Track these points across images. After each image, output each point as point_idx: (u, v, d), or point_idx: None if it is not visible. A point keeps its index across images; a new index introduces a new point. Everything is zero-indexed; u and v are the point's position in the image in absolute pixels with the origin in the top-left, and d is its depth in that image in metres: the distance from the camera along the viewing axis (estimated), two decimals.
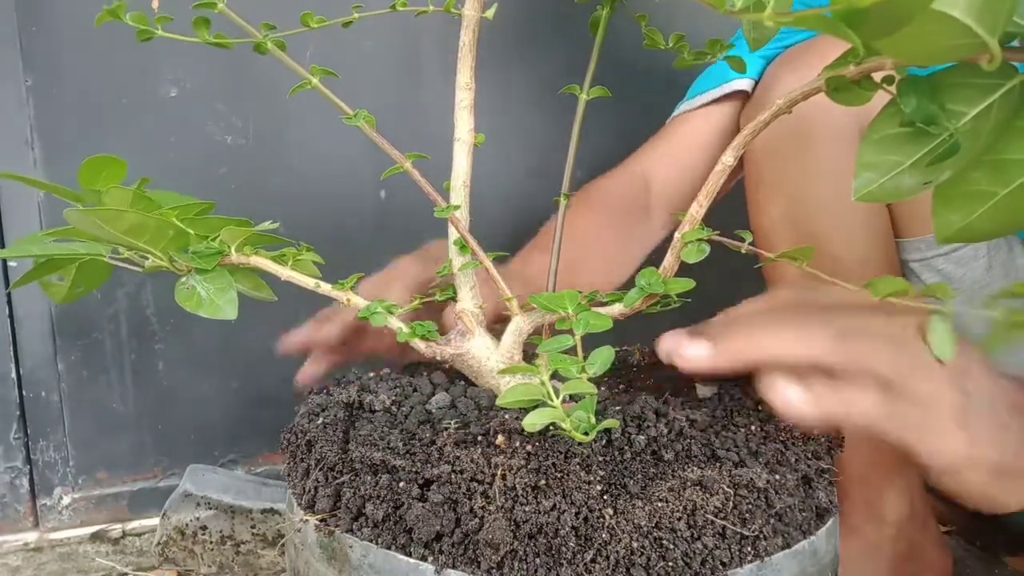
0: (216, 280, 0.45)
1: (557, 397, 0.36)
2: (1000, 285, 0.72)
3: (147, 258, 0.46)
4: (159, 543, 0.84)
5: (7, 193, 0.87)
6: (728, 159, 0.43)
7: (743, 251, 0.46)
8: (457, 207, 0.51)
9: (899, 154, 0.35)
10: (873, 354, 0.41)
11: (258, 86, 0.91)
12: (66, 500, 0.93)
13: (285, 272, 0.49)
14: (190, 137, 0.91)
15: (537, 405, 0.37)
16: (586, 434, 0.35)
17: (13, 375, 0.90)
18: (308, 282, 0.50)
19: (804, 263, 0.45)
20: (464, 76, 0.52)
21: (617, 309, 0.47)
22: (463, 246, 0.52)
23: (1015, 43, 0.32)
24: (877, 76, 0.35)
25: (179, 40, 0.50)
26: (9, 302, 0.89)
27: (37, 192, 0.87)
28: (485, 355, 0.51)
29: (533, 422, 0.35)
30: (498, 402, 0.37)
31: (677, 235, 0.45)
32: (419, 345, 0.50)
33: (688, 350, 0.42)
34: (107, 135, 0.89)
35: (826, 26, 0.27)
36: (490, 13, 0.52)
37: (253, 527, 0.84)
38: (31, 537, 0.91)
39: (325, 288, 0.50)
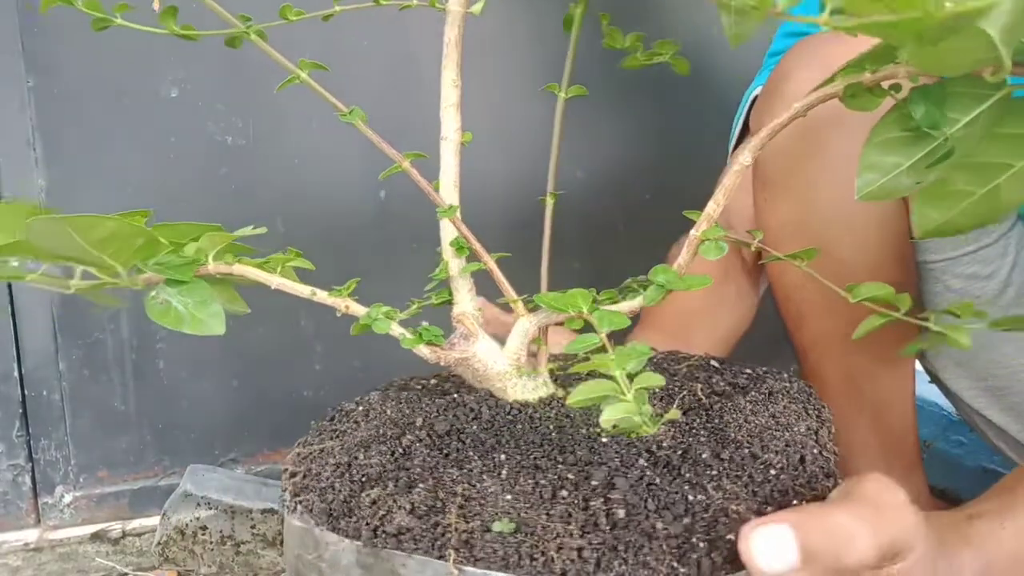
0: (193, 292, 0.41)
1: (629, 392, 0.37)
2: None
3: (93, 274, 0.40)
4: (159, 543, 0.84)
5: (8, 192, 0.87)
6: (747, 159, 0.44)
7: (752, 248, 0.47)
8: (457, 208, 0.51)
9: (900, 156, 0.38)
10: None
11: (258, 86, 0.91)
12: (67, 498, 0.93)
13: (275, 280, 0.47)
14: (190, 137, 0.91)
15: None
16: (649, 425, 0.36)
17: (15, 374, 0.90)
18: (303, 290, 0.48)
19: (805, 263, 0.46)
20: (450, 73, 0.51)
21: (627, 306, 0.47)
22: (460, 247, 0.52)
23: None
24: (885, 83, 0.38)
25: (162, 35, 0.49)
26: (11, 301, 0.89)
27: (39, 193, 0.87)
28: (491, 358, 0.50)
29: (609, 418, 0.35)
30: (569, 401, 0.37)
31: (693, 233, 0.45)
32: (423, 351, 0.50)
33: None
34: (107, 135, 0.89)
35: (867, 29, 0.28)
36: (477, 8, 0.51)
37: (253, 527, 0.84)
38: (31, 537, 0.91)
39: (321, 296, 0.49)
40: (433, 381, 0.58)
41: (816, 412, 0.51)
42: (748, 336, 0.89)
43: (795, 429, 0.48)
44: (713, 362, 0.58)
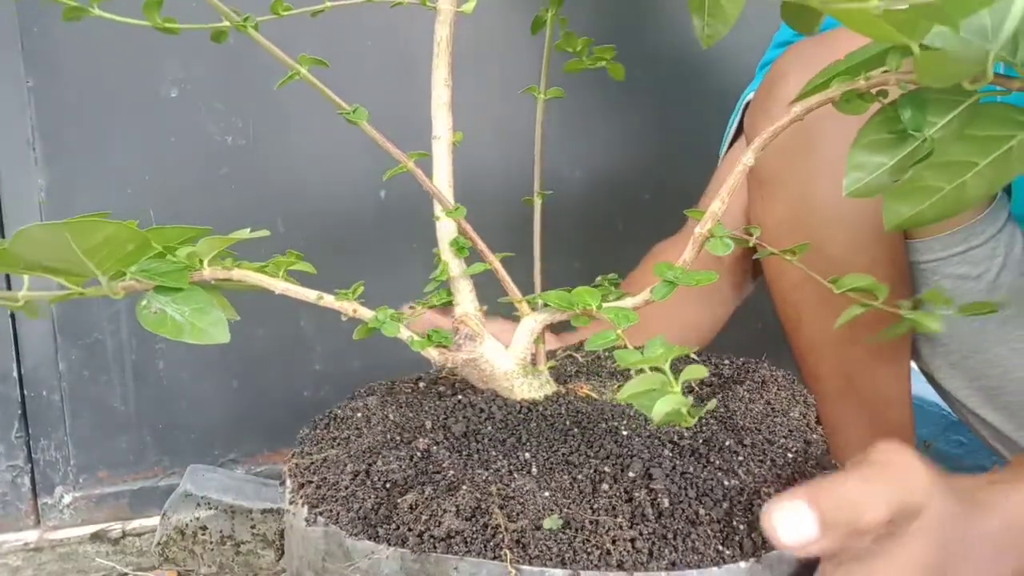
0: (190, 300, 0.39)
1: (677, 384, 0.38)
2: (1013, 281, 0.71)
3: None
4: (159, 543, 0.84)
5: (8, 192, 0.87)
6: (749, 160, 0.46)
7: (751, 245, 0.48)
8: (464, 209, 0.51)
9: (884, 156, 0.41)
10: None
11: (258, 86, 0.91)
12: (67, 499, 0.93)
13: (280, 285, 0.47)
14: (190, 137, 0.91)
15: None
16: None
17: (15, 374, 0.90)
18: (309, 295, 0.48)
19: (798, 258, 0.47)
20: (441, 72, 0.51)
21: (632, 302, 0.47)
22: (460, 247, 0.52)
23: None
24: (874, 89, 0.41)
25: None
26: None
27: (39, 193, 0.87)
28: (498, 358, 0.50)
29: (660, 410, 0.36)
30: (619, 397, 0.38)
31: (697, 230, 0.46)
32: (432, 354, 0.50)
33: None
34: (107, 135, 0.89)
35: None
36: (468, 7, 0.51)
37: (253, 527, 0.84)
38: (31, 537, 0.91)
39: (328, 300, 0.48)
40: (423, 383, 0.58)
41: (803, 398, 0.55)
42: (748, 336, 0.90)
43: (791, 414, 0.51)
44: (692, 355, 0.59)
